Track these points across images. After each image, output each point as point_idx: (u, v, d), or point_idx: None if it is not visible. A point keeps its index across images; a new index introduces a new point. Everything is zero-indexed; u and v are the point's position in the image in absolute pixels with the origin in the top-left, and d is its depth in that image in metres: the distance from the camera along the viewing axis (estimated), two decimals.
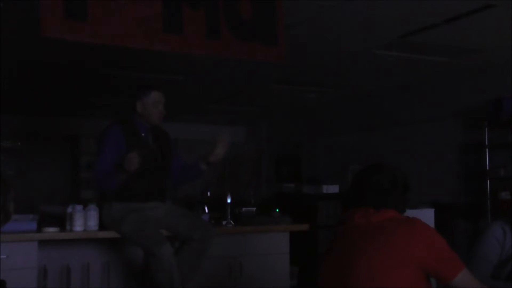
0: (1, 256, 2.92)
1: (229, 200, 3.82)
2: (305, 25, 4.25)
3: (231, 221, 3.78)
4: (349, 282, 1.87)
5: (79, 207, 3.27)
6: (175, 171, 3.51)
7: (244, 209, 4.10)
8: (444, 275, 1.85)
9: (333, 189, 5.66)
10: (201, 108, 8.41)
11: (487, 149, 5.45)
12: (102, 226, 3.31)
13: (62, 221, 3.31)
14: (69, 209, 3.28)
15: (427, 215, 3.87)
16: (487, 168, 5.45)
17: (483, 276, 2.50)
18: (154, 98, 3.35)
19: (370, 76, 6.22)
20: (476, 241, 2.65)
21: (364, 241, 1.91)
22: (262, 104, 8.17)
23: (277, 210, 4.16)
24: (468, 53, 5.10)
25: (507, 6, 3.82)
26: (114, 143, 3.26)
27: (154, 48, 2.90)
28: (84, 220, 3.27)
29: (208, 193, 4.35)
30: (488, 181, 5.43)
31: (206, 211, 3.86)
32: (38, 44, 4.65)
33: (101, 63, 5.48)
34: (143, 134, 3.38)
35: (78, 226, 3.26)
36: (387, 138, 6.97)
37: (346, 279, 1.89)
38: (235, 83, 6.60)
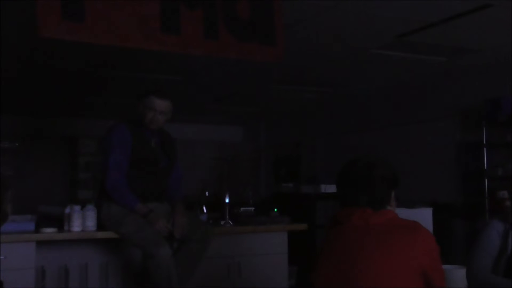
0: None
1: (227, 200, 3.82)
2: (303, 25, 4.25)
3: (230, 221, 3.77)
4: (350, 285, 1.84)
5: (77, 208, 3.27)
6: (172, 179, 3.51)
7: (242, 209, 4.10)
8: (435, 285, 1.85)
9: (332, 188, 5.66)
10: (200, 108, 8.41)
11: (485, 149, 5.45)
12: (100, 227, 3.31)
13: (60, 222, 3.31)
14: (67, 210, 3.28)
15: (425, 215, 3.87)
16: (485, 168, 5.45)
17: (482, 269, 2.52)
18: (156, 105, 3.31)
19: (368, 76, 6.23)
20: (478, 235, 2.67)
21: (364, 243, 1.87)
22: (261, 104, 8.17)
23: (276, 210, 4.16)
24: (466, 52, 5.11)
25: (505, 6, 3.82)
26: (122, 142, 3.26)
27: (152, 48, 2.89)
28: (82, 221, 3.27)
29: (207, 193, 4.34)
30: (486, 180, 5.43)
31: (205, 211, 3.86)
32: (37, 45, 4.64)
33: (100, 63, 5.48)
34: (147, 135, 3.38)
35: (76, 226, 3.25)
36: (385, 137, 6.97)
37: (346, 283, 1.85)
38: (234, 83, 6.60)
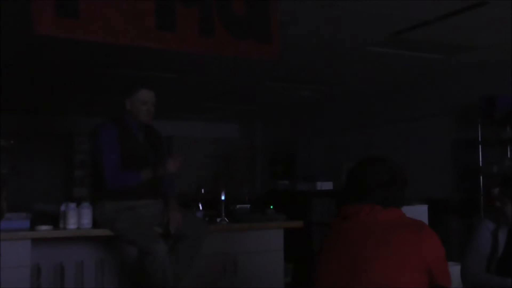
0: None
1: (223, 197, 3.81)
2: (299, 22, 4.25)
3: (225, 218, 3.77)
4: (356, 281, 1.84)
5: (72, 205, 3.26)
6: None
7: (238, 206, 4.10)
8: (441, 284, 1.87)
9: (327, 186, 5.67)
10: (196, 106, 8.40)
11: (480, 146, 5.47)
12: (95, 224, 3.31)
13: (55, 219, 3.30)
14: (63, 207, 3.27)
15: (420, 212, 3.89)
16: (480, 165, 5.47)
17: (476, 268, 2.53)
18: (142, 96, 3.35)
19: (364, 73, 6.23)
20: (471, 234, 2.69)
21: (370, 240, 1.87)
22: (257, 101, 8.17)
23: (271, 207, 4.16)
24: (462, 50, 5.12)
25: (501, 4, 3.83)
26: (112, 140, 3.27)
27: (147, 46, 2.89)
28: (78, 218, 3.26)
29: (202, 190, 4.34)
30: (481, 177, 5.45)
31: (201, 208, 3.86)
32: (33, 43, 4.63)
33: (95, 61, 5.46)
34: (134, 132, 3.39)
35: (72, 224, 3.24)
36: (381, 135, 6.99)
37: (349, 278, 1.85)
38: (230, 80, 6.60)
